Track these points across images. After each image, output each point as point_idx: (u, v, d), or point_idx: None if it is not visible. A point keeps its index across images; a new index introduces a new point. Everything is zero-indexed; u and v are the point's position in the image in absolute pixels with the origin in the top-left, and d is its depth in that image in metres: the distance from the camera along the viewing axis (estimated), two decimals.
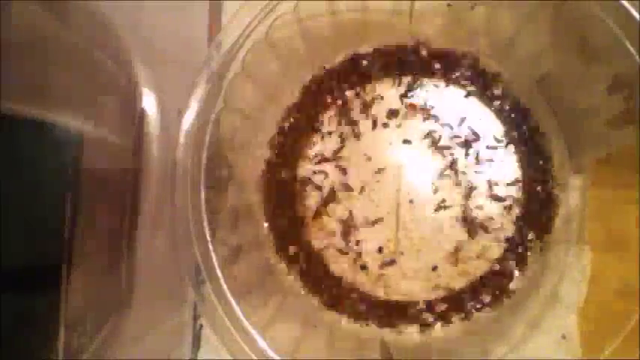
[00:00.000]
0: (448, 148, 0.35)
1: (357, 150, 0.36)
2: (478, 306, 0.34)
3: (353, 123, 0.36)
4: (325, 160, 0.36)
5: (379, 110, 0.36)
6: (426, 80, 0.36)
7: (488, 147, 0.35)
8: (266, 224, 0.36)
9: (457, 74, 0.36)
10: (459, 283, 0.35)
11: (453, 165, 0.35)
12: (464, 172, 0.35)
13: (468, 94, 0.35)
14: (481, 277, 0.34)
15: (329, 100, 0.36)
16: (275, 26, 0.30)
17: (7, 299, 0.24)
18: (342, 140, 0.36)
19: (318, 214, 0.36)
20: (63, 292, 0.27)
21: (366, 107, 0.36)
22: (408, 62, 0.36)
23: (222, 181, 0.32)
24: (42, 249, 0.27)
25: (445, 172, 0.35)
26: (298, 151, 0.36)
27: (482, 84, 0.35)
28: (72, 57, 0.29)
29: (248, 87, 0.32)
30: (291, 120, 0.36)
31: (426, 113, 0.35)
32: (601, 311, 0.30)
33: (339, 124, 0.36)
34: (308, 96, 0.36)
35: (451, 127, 0.35)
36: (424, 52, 0.36)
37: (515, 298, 0.34)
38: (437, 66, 0.36)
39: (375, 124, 0.36)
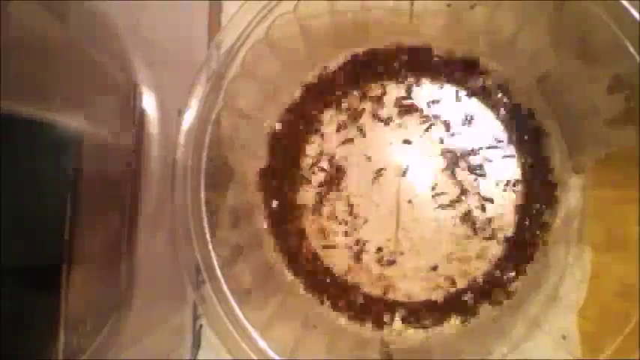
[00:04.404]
0: (448, 148, 0.35)
1: (357, 150, 0.36)
2: (478, 306, 0.34)
3: (353, 123, 0.36)
4: (325, 160, 0.36)
5: (379, 110, 0.36)
6: (426, 80, 0.36)
7: (488, 147, 0.35)
8: (266, 224, 0.36)
9: (457, 74, 0.35)
10: (459, 283, 0.35)
11: (453, 165, 0.35)
12: (464, 172, 0.35)
13: (468, 94, 0.35)
14: (481, 277, 0.34)
15: (329, 100, 0.36)
16: (275, 26, 0.30)
17: (7, 299, 0.24)
18: (342, 140, 0.36)
19: (317, 214, 0.36)
20: (63, 292, 0.27)
21: (365, 107, 0.36)
22: (408, 62, 0.36)
23: (222, 181, 0.32)
24: (42, 249, 0.27)
25: (445, 172, 0.35)
26: (298, 150, 0.36)
27: (483, 84, 0.35)
28: (72, 57, 0.29)
29: (248, 87, 0.32)
30: (292, 120, 0.36)
31: (426, 113, 0.35)
32: (601, 311, 0.29)
33: (339, 124, 0.36)
34: (308, 96, 0.36)
35: (451, 127, 0.35)
36: (424, 52, 0.36)
37: (515, 298, 0.34)
38: (437, 66, 0.36)
39: (375, 124, 0.36)
